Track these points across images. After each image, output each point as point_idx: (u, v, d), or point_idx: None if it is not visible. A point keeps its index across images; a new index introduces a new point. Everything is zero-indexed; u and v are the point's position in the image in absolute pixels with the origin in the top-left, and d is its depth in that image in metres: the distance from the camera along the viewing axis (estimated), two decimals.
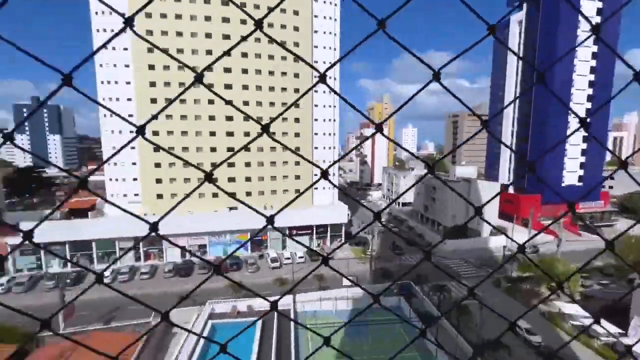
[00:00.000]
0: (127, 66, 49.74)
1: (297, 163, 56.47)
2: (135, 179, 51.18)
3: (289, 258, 46.96)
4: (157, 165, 50.76)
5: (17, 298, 35.96)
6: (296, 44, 54.71)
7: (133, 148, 50.10)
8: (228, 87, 52.17)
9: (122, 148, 1.27)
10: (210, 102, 51.13)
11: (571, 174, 67.73)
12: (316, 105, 57.61)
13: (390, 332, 28.01)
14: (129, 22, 0.84)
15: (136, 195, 51.35)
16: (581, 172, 67.90)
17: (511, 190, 68.22)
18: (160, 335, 26.66)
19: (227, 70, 51.68)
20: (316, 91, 57.22)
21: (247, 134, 52.87)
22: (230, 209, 52.64)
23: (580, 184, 67.48)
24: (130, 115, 49.79)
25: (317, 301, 31.97)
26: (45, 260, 43.57)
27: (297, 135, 56.53)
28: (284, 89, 54.84)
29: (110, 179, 51.46)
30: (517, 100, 73.50)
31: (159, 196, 51.05)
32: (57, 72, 0.96)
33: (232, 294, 34.50)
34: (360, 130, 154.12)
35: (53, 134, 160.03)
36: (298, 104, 55.61)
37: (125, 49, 49.21)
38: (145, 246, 47.03)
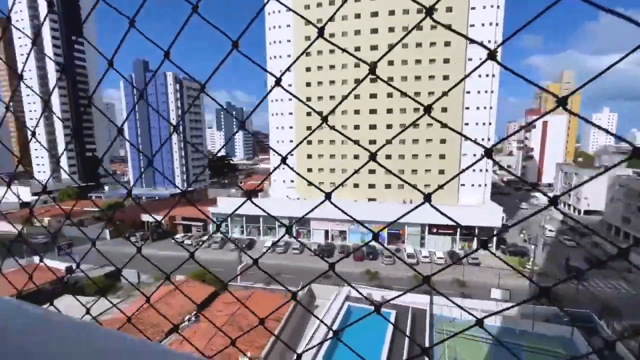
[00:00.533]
0: (289, 70, 58.00)
1: (442, 156, 52.40)
2: (292, 168, 59.88)
3: (427, 256, 44.60)
4: (309, 156, 57.55)
5: (213, 253, 48.55)
6: (449, 26, 50.23)
7: (291, 141, 58.45)
8: (373, 80, 53.23)
9: (310, 133, 1.41)
10: (356, 97, 53.53)
11: None
12: (468, 92, 51.40)
13: None
14: (320, 31, 0.95)
15: (292, 181, 59.97)
16: None
17: None
18: (306, 304, 30.55)
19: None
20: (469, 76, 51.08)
21: (389, 127, 52.78)
22: (369, 200, 54.30)
23: None
24: (290, 114, 58.14)
25: (457, 308, 29.11)
26: (231, 227, 56.93)
27: (443, 126, 52.25)
28: (431, 77, 51.51)
29: (275, 167, 62.03)
30: None
31: (309, 184, 57.89)
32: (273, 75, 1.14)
33: (367, 281, 35.78)
34: (526, 117, 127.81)
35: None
36: (446, 93, 51.10)
37: (288, 55, 57.38)
38: (297, 225, 54.48)
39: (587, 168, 74.70)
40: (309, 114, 55.99)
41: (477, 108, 51.66)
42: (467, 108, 51.90)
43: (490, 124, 51.71)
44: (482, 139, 51.96)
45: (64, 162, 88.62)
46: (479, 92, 51.00)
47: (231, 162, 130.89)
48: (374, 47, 52.35)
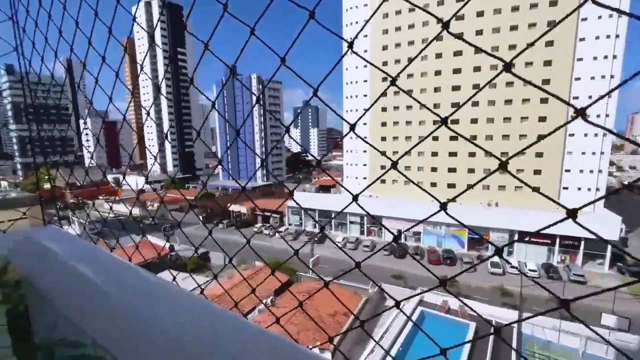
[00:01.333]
0: (364, 66, 57.42)
1: (539, 154, 45.65)
2: (364, 165, 59.27)
3: (515, 267, 39.56)
4: (383, 153, 56.21)
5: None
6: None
7: (365, 137, 57.89)
8: (456, 71, 49.14)
9: (428, 136, 1.31)
10: (436, 90, 50.19)
11: None
12: (577, 79, 43.55)
13: None
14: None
15: (364, 178, 59.44)
16: None
17: None
18: (374, 304, 30.06)
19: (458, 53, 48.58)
20: (580, 59, 43.15)
21: (473, 121, 48.16)
22: (449, 200, 50.52)
23: None
24: (365, 109, 57.47)
25: (554, 331, 25.15)
26: (304, 220, 59.34)
27: (541, 119, 45.49)
28: (528, 64, 45.17)
29: (347, 164, 62.21)
30: None
31: (382, 181, 56.57)
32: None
33: (443, 288, 33.44)
34: None
35: (313, 127, 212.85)
36: (549, 79, 44.27)
37: (365, 50, 56.74)
38: (369, 223, 53.87)
39: None
40: (384, 109, 54.66)
41: (590, 97, 43.39)
42: (576, 98, 44.03)
43: (607, 115, 43.00)
44: (596, 135, 43.61)
45: (169, 156, 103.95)
46: (593, 78, 42.77)
47: (306, 158, 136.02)
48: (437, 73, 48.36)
